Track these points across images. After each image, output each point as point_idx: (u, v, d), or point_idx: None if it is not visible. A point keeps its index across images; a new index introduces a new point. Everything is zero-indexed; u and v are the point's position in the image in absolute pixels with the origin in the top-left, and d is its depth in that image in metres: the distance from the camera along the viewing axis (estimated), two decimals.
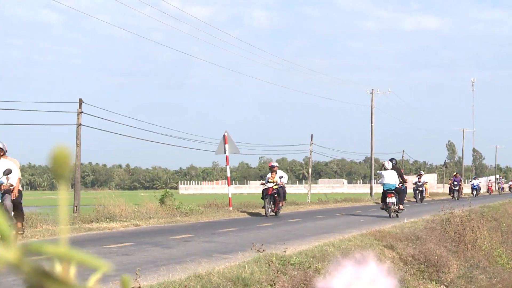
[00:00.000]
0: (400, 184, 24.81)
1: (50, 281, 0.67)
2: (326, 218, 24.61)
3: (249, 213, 26.80)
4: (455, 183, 51.35)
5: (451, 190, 51.82)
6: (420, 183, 44.66)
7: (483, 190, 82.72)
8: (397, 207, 24.77)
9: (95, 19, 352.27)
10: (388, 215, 24.47)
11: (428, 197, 52.21)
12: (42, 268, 0.67)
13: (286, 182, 25.71)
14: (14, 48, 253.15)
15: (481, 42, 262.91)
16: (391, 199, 24.31)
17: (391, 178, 24.47)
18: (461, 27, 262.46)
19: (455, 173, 54.62)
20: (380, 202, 27.79)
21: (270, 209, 25.11)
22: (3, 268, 0.66)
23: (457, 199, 47.75)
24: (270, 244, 13.52)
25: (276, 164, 25.99)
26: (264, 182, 25.94)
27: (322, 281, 0.71)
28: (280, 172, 25.70)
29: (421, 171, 50.14)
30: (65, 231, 0.72)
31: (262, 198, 25.45)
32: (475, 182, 63.40)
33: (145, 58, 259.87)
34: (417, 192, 44.42)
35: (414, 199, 44.35)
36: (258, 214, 26.47)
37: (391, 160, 25.39)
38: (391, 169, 24.80)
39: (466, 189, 70.10)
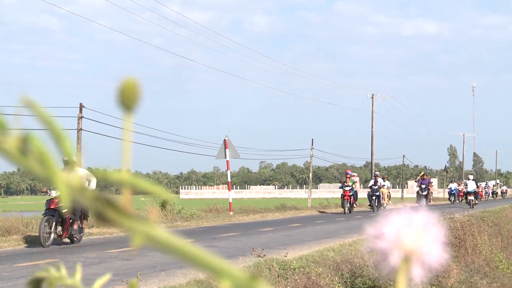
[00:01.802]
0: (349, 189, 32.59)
1: (112, 208, 0.69)
2: (326, 223, 24.62)
3: (250, 218, 26.82)
4: (423, 186, 40.49)
5: (418, 196, 41.34)
6: (376, 187, 36.78)
7: (444, 195, 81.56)
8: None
9: (95, 24, 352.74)
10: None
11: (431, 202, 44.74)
12: (105, 196, 0.68)
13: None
14: (15, 53, 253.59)
15: (481, 47, 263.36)
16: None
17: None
18: (461, 32, 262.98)
19: (422, 174, 42.93)
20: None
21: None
22: (69, 193, 0.67)
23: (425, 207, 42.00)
24: (271, 248, 13.53)
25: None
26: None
27: (373, 227, 0.72)
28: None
29: (376, 172, 40.32)
30: (127, 161, 0.72)
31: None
32: (452, 186, 54.13)
33: (146, 63, 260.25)
34: (373, 198, 36.63)
35: (370, 207, 37.11)
36: (258, 219, 26.49)
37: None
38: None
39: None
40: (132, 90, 0.69)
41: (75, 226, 15.15)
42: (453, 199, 52.59)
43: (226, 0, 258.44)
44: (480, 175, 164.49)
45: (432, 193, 46.98)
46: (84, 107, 26.18)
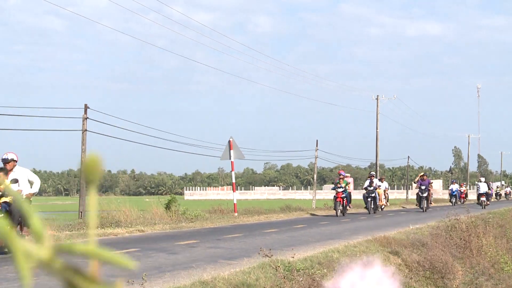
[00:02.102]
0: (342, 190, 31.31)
1: (81, 278, 0.72)
2: (331, 224, 24.59)
3: (254, 219, 26.81)
4: (423, 187, 38.53)
5: (418, 198, 39.70)
6: (372, 188, 34.82)
7: (473, 196, 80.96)
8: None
9: (99, 25, 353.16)
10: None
11: (431, 204, 42.85)
12: (73, 266, 0.72)
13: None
14: (19, 54, 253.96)
15: (486, 48, 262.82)
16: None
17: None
18: (465, 34, 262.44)
19: (421, 174, 40.92)
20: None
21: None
22: (35, 265, 0.72)
23: (425, 210, 37.87)
24: (276, 250, 13.51)
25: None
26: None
27: (329, 281, 0.75)
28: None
29: (372, 172, 38.17)
30: (93, 233, 0.76)
31: None
32: (453, 187, 51.90)
33: (150, 64, 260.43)
34: (368, 200, 34.71)
35: (366, 209, 35.03)
36: (263, 220, 26.49)
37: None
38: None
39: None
40: (95, 165, 0.75)
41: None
42: (454, 200, 50.91)
43: (229, 1, 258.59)
44: (485, 176, 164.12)
45: (432, 194, 43.73)
46: (89, 108, 26.20)
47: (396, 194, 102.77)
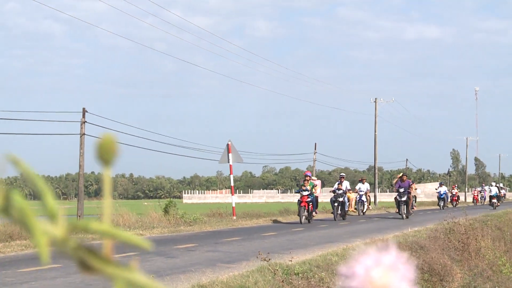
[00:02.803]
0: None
1: (94, 257, 0.73)
2: (329, 227, 24.60)
3: (253, 222, 26.82)
4: (401, 190, 31.46)
5: (397, 203, 32.50)
6: (340, 192, 30.53)
7: (468, 199, 79.17)
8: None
9: (97, 28, 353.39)
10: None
11: (414, 208, 37.33)
12: (87, 246, 0.73)
13: None
14: (17, 58, 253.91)
15: (484, 51, 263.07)
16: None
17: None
18: (463, 36, 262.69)
19: (400, 174, 33.37)
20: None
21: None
22: (50, 243, 0.72)
23: (405, 216, 31.16)
24: (274, 253, 13.52)
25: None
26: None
27: (344, 266, 0.76)
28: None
29: (342, 174, 34.34)
30: (108, 210, 0.77)
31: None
32: (441, 189, 49.05)
33: (149, 67, 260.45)
34: (335, 204, 30.13)
35: (332, 214, 30.76)
36: (261, 223, 26.49)
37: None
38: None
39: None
40: (110, 145, 0.75)
41: None
42: (442, 204, 48.24)
43: (228, 5, 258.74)
44: (483, 178, 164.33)
45: (415, 197, 38.41)
46: (87, 112, 26.21)
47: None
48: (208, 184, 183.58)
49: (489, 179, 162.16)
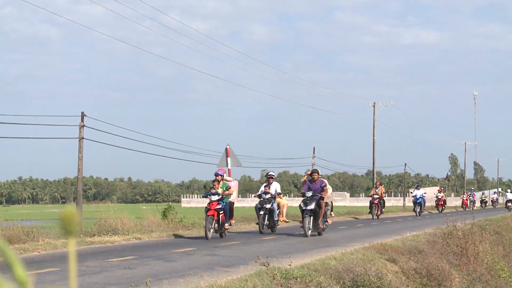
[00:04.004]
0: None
1: None
2: (328, 232, 24.58)
3: (251, 227, 26.79)
4: (309, 194, 21.71)
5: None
6: (268, 196, 23.69)
7: (456, 203, 77.76)
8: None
9: (95, 33, 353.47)
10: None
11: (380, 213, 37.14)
12: None
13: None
14: (15, 63, 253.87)
15: (481, 56, 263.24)
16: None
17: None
18: (460, 41, 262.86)
19: (309, 171, 24.64)
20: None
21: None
22: None
23: (312, 233, 21.70)
24: (273, 257, 13.52)
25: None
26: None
27: None
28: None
29: (271, 173, 25.40)
30: (73, 277, 0.82)
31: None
32: (418, 192, 43.41)
33: (146, 72, 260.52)
34: (260, 213, 23.25)
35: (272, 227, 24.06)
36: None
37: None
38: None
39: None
40: (71, 218, 0.83)
41: None
42: (418, 209, 42.92)
43: (226, 9, 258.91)
44: (482, 183, 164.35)
45: (380, 204, 37.01)
46: (86, 115, 26.21)
47: (393, 201, 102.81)
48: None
49: (487, 183, 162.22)
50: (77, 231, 0.78)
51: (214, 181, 20.80)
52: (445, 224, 21.42)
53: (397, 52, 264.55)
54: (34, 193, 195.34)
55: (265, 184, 24.64)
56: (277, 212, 24.56)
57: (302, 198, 21.79)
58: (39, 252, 15.28)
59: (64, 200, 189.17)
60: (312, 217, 21.01)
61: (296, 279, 11.10)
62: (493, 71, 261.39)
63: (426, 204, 51.65)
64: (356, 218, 38.66)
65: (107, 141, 32.02)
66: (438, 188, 54.20)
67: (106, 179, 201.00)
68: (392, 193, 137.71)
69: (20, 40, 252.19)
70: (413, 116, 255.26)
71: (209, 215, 20.01)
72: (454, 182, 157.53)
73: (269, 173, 25.21)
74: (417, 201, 42.98)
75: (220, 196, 20.27)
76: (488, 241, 22.40)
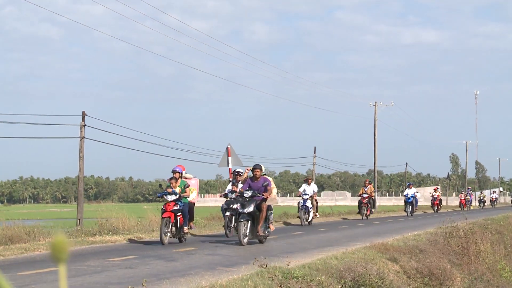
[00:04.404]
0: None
1: None
2: (329, 231, 24.58)
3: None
4: (247, 194, 18.40)
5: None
6: (233, 197, 21.14)
7: (456, 202, 74.95)
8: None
9: (95, 32, 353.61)
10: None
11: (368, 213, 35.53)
12: None
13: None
14: (16, 62, 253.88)
15: (482, 55, 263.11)
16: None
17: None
18: (461, 41, 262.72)
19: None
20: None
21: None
22: None
23: (249, 240, 20.50)
24: (274, 257, 13.51)
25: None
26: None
27: None
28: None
29: (238, 170, 22.65)
30: None
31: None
32: (409, 191, 41.66)
33: (147, 71, 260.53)
34: (227, 214, 21.28)
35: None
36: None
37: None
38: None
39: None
40: (61, 245, 0.88)
41: None
42: (410, 209, 41.04)
43: (226, 9, 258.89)
44: (483, 183, 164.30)
45: (369, 204, 35.61)
46: (87, 115, 26.20)
47: (394, 201, 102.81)
48: (207, 188, 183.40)
49: (489, 183, 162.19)
50: (67, 258, 0.82)
51: (171, 178, 18.64)
52: (440, 224, 21.40)
53: (398, 51, 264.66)
54: (35, 193, 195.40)
55: (231, 181, 22.19)
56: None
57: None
58: (40, 251, 15.28)
59: (65, 200, 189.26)
60: (249, 222, 17.49)
61: (297, 278, 11.09)
62: (494, 71, 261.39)
63: (425, 204, 50.78)
64: (344, 218, 36.57)
65: (108, 141, 32.00)
66: (439, 187, 53.72)
67: (107, 178, 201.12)
68: (394, 193, 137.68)
69: (21, 39, 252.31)
70: (414, 116, 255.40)
71: (164, 217, 17.65)
72: (455, 181, 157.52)
73: (236, 170, 22.49)
74: (409, 201, 41.26)
75: (178, 196, 18.01)
76: (489, 241, 22.38)
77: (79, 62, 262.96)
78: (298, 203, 28.22)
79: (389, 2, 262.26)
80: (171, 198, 17.92)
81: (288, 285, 10.58)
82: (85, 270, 11.70)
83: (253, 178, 18.37)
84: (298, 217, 27.25)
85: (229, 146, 29.30)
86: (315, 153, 49.81)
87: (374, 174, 60.43)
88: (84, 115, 26.15)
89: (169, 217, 17.73)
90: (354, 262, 13.84)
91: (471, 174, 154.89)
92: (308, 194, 28.31)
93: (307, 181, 29.38)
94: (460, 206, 58.37)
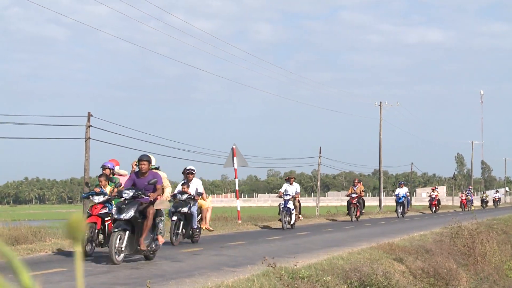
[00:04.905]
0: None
1: None
2: (335, 231, 24.56)
3: (259, 226, 26.78)
4: (127, 194, 13.98)
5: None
6: (185, 197, 18.68)
7: (453, 203, 75.14)
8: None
9: (100, 33, 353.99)
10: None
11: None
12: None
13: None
14: (20, 63, 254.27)
15: (487, 54, 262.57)
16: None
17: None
18: (465, 40, 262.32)
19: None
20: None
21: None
22: None
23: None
24: (279, 257, 13.50)
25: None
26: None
27: None
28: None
29: (190, 168, 19.79)
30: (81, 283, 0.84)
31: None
32: (401, 191, 38.57)
33: (152, 72, 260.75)
34: (174, 219, 18.17)
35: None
36: (267, 227, 26.46)
37: None
38: None
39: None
40: (78, 224, 0.85)
41: None
42: (401, 210, 38.23)
43: (230, 9, 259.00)
44: (489, 182, 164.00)
45: (359, 205, 32.93)
46: (92, 116, 26.23)
47: None
48: (213, 188, 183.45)
49: (495, 183, 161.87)
50: (83, 238, 0.81)
51: (100, 176, 15.76)
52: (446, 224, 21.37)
53: (402, 51, 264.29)
54: (41, 193, 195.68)
55: (182, 181, 19.46)
56: (198, 217, 18.95)
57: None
58: (46, 252, 15.29)
59: (71, 200, 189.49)
60: (128, 232, 13.16)
61: (303, 279, 11.09)
62: (499, 70, 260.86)
63: (422, 204, 49.65)
64: (333, 220, 34.20)
65: (113, 141, 32.02)
66: (445, 187, 53.54)
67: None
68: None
69: (26, 40, 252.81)
70: (420, 115, 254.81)
71: (90, 222, 14.42)
72: (461, 181, 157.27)
73: (188, 168, 19.72)
74: (400, 201, 38.19)
75: (107, 197, 15.01)
76: (495, 241, 22.32)
77: (84, 63, 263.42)
78: (279, 205, 25.55)
79: (393, 1, 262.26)
80: (98, 199, 14.91)
81: (295, 285, 10.57)
82: (91, 270, 11.70)
83: (139, 173, 14.02)
84: (280, 220, 25.28)
85: (234, 147, 29.31)
86: (320, 153, 49.77)
87: (380, 174, 60.37)
88: (89, 115, 26.17)
89: (95, 223, 14.57)
90: (360, 262, 13.83)
91: (477, 174, 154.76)
92: (289, 195, 25.64)
93: (289, 180, 26.99)
94: (461, 206, 56.71)
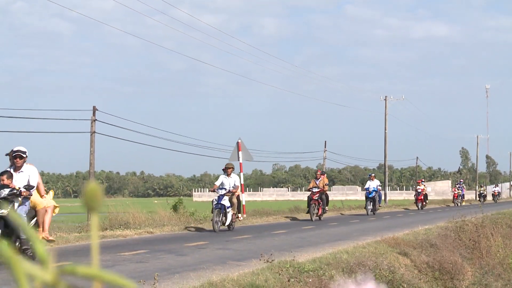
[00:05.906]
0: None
1: None
2: (340, 225, 24.57)
3: (264, 220, 26.82)
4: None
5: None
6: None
7: (468, 197, 72.30)
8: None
9: (106, 26, 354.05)
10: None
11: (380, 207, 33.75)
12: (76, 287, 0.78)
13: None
14: (26, 57, 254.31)
15: (493, 49, 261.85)
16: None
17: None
18: (471, 35, 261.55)
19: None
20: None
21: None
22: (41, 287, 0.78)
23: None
24: (284, 251, 13.53)
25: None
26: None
27: None
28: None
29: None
30: (96, 254, 0.83)
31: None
32: (371, 184, 33.31)
33: (157, 66, 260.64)
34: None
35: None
36: (272, 221, 26.48)
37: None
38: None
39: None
40: (95, 192, 0.82)
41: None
42: (371, 206, 33.10)
43: (236, 3, 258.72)
44: (494, 177, 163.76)
45: (326, 197, 28.35)
46: (97, 110, 26.27)
47: (405, 195, 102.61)
48: None
49: (500, 177, 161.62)
50: (100, 207, 0.79)
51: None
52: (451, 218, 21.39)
53: (408, 45, 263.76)
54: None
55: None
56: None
57: None
58: (52, 246, 15.33)
59: (76, 194, 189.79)
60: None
61: (308, 272, 11.11)
62: (505, 64, 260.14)
63: (436, 198, 48.85)
64: (294, 219, 29.07)
65: (119, 135, 32.08)
66: (450, 181, 53.32)
67: (118, 173, 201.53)
68: (404, 187, 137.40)
69: (32, 34, 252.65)
70: (425, 110, 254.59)
71: None
72: (466, 175, 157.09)
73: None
74: (370, 196, 32.94)
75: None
76: (500, 235, 22.33)
77: (90, 57, 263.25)
78: (212, 202, 20.96)
79: None
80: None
81: (301, 278, 10.60)
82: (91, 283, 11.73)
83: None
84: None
85: (239, 141, 29.32)
86: (325, 147, 49.78)
87: (385, 168, 60.35)
88: (94, 110, 26.21)
89: None
90: (364, 256, 13.84)
91: (482, 168, 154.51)
92: (225, 189, 21.00)
93: (226, 171, 22.07)
94: (453, 201, 53.36)
